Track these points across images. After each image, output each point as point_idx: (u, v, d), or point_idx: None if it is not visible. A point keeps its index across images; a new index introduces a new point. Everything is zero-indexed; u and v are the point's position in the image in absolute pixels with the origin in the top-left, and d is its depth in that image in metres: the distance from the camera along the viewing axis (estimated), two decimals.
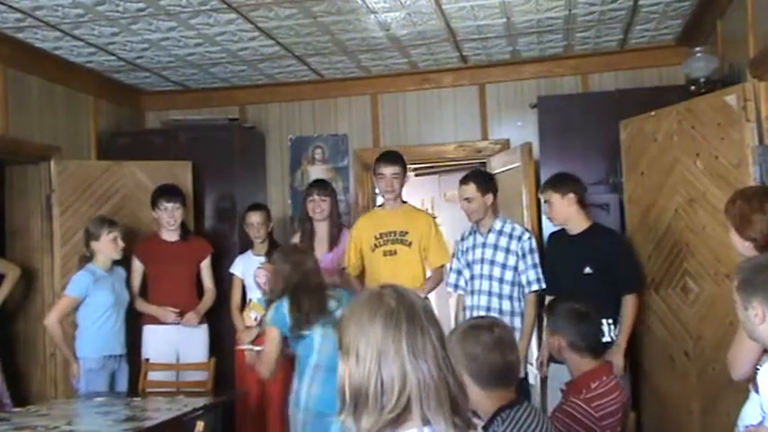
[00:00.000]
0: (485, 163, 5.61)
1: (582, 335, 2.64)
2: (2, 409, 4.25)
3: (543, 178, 4.90)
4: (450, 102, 5.71)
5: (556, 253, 4.07)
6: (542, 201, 4.06)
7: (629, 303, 3.85)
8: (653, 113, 4.20)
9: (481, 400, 2.15)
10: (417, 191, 8.28)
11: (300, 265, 3.60)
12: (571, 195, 3.91)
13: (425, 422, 1.36)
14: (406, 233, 4.28)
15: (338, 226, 4.72)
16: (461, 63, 5.49)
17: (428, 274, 4.40)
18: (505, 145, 5.52)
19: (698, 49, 4.30)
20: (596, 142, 4.75)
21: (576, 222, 3.94)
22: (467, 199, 4.10)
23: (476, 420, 2.01)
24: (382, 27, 4.58)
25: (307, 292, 3.53)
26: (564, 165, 4.72)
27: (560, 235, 4.08)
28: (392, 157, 4.37)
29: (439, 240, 4.35)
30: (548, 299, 3.92)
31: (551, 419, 2.36)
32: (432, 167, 7.65)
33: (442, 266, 4.36)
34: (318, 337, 3.49)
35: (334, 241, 4.65)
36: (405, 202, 4.49)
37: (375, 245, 4.30)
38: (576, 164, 4.46)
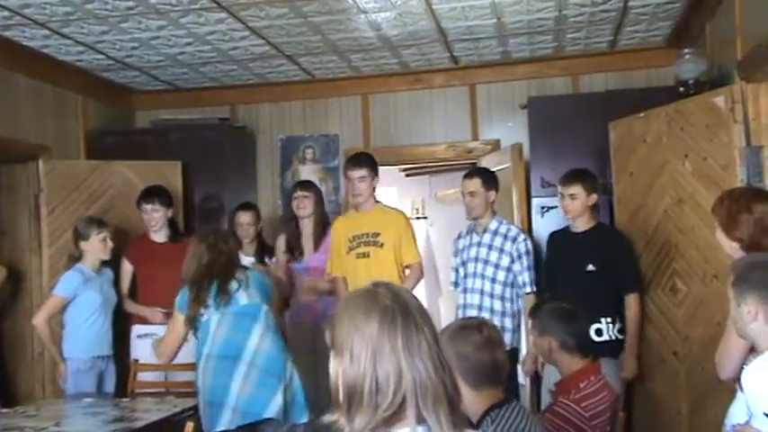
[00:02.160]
0: (475, 163, 5.61)
1: (572, 334, 2.64)
2: None
3: (533, 179, 4.93)
4: (440, 102, 5.72)
5: (558, 251, 4.10)
6: (563, 194, 4.00)
7: (633, 304, 3.92)
8: (642, 115, 4.22)
9: (471, 400, 2.16)
10: (408, 191, 8.30)
11: (215, 246, 3.55)
12: (594, 195, 3.98)
13: (420, 421, 1.35)
14: (378, 234, 4.23)
15: (323, 225, 4.71)
16: (452, 63, 5.49)
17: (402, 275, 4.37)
18: (496, 145, 5.53)
19: (687, 50, 4.32)
20: (586, 143, 4.77)
21: (584, 220, 3.99)
22: (471, 193, 4.11)
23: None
24: (373, 27, 4.58)
25: (212, 275, 3.49)
26: (554, 165, 4.74)
27: (563, 234, 4.12)
28: (359, 160, 4.31)
29: (409, 238, 4.28)
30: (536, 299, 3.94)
31: (542, 421, 2.37)
32: (422, 168, 7.66)
33: (417, 264, 4.28)
34: (214, 324, 3.44)
35: (319, 239, 4.65)
36: (378, 203, 4.41)
37: (350, 247, 4.27)
38: (566, 164, 4.46)
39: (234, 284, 3.49)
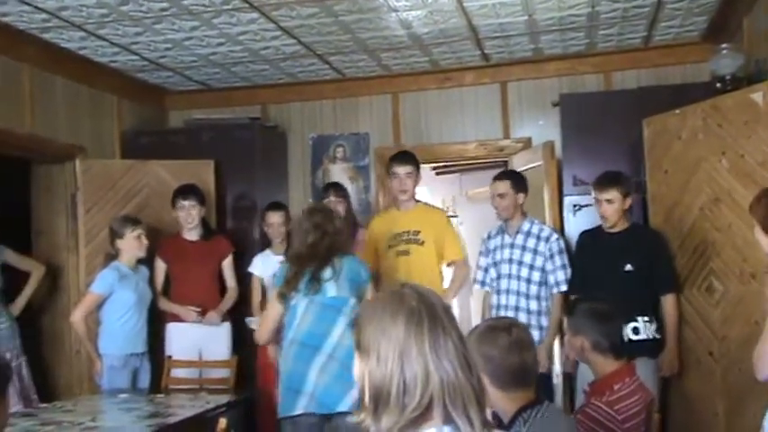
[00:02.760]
0: (506, 161, 5.59)
1: (605, 335, 2.61)
2: (29, 404, 4.31)
3: (566, 177, 4.89)
4: (471, 100, 5.69)
5: (590, 251, 4.07)
6: (598, 199, 3.97)
7: (670, 303, 3.91)
8: (677, 111, 4.16)
9: (501, 401, 2.14)
10: (438, 189, 8.27)
11: (321, 227, 3.52)
12: (630, 198, 3.97)
13: (446, 422, 1.35)
14: (419, 232, 4.27)
15: (353, 226, 4.74)
16: (483, 61, 5.47)
17: (444, 272, 4.38)
18: (527, 143, 5.49)
19: (724, 45, 4.24)
20: (619, 140, 4.71)
21: (620, 221, 3.97)
22: (500, 195, 4.13)
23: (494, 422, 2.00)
24: (404, 25, 4.57)
25: (312, 258, 3.47)
26: (586, 163, 4.70)
27: (596, 233, 4.09)
28: (405, 156, 4.38)
29: (452, 236, 4.35)
30: (572, 298, 3.92)
31: (575, 422, 2.34)
32: (453, 166, 7.64)
33: (459, 261, 4.33)
34: (301, 310, 3.45)
35: (351, 241, 4.68)
36: (418, 201, 4.47)
37: (389, 245, 4.30)
38: (599, 162, 4.43)
39: (327, 273, 3.44)
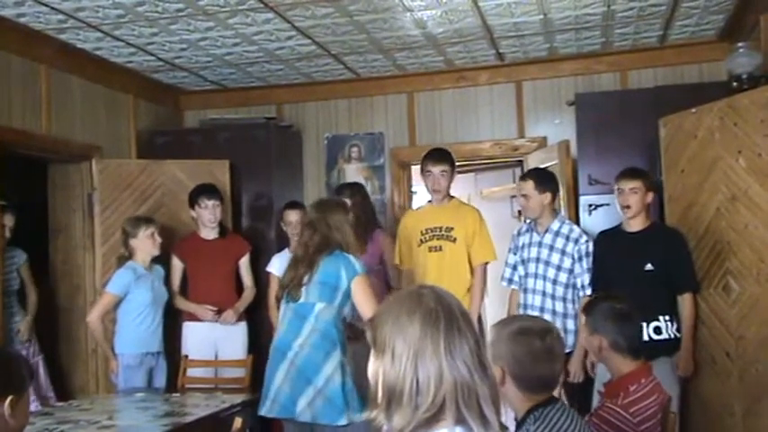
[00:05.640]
0: (521, 161, 5.57)
1: (623, 335, 2.59)
2: (46, 403, 4.35)
3: (581, 177, 4.87)
4: (486, 99, 5.68)
5: (609, 251, 4.02)
6: (620, 188, 3.93)
7: (688, 303, 3.87)
8: (693, 110, 4.13)
9: (517, 400, 2.13)
10: (453, 188, 8.23)
11: (313, 223, 3.44)
12: (651, 193, 3.93)
13: (458, 422, 1.35)
14: (452, 229, 4.28)
15: (370, 226, 4.74)
16: (498, 60, 5.46)
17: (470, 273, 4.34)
18: (542, 143, 5.47)
19: (740, 44, 4.21)
20: (635, 140, 4.68)
21: (640, 220, 3.93)
22: (524, 195, 4.07)
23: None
24: (418, 25, 4.57)
25: (302, 258, 3.42)
26: (602, 163, 4.68)
27: (614, 233, 4.05)
28: (440, 155, 4.38)
29: (484, 236, 4.31)
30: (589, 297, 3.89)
31: (588, 423, 2.33)
32: (468, 165, 7.61)
33: (485, 264, 4.31)
34: (281, 315, 3.45)
35: (365, 242, 4.67)
36: (452, 198, 4.48)
37: (421, 240, 4.32)
38: (615, 162, 4.40)
39: (306, 277, 3.37)
